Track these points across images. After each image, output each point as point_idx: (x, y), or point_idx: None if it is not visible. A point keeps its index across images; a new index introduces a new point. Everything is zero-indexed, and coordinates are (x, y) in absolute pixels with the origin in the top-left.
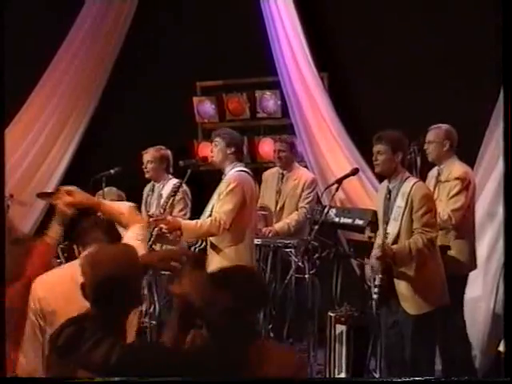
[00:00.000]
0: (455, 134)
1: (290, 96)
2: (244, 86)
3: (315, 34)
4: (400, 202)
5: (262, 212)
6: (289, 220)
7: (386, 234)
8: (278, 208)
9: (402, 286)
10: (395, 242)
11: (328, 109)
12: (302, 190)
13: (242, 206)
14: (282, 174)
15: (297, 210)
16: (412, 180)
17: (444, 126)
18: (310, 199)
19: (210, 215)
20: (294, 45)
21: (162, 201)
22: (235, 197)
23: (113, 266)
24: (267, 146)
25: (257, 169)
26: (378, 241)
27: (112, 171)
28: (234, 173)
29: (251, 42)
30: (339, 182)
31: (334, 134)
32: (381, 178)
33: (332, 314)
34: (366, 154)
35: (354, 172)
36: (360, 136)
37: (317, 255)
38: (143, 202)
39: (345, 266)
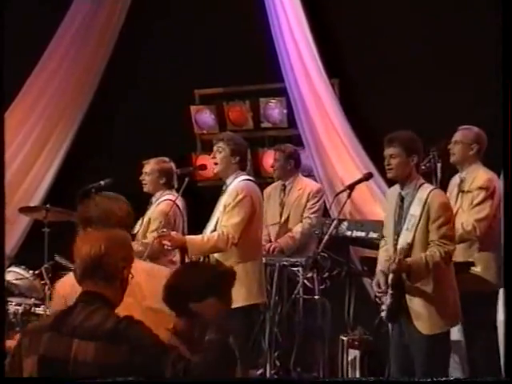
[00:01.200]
0: (485, 139)
1: (298, 104)
2: (246, 94)
3: (325, 36)
4: (415, 211)
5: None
6: (293, 233)
7: (396, 246)
8: (282, 220)
9: (415, 303)
10: (407, 253)
11: (339, 117)
12: (307, 200)
13: (250, 218)
14: (284, 185)
15: (301, 221)
16: (428, 187)
17: (475, 129)
18: (315, 209)
19: (215, 230)
20: (301, 48)
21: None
22: (244, 208)
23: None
24: (272, 159)
25: (260, 184)
26: (384, 253)
27: (102, 182)
28: (239, 183)
29: (254, 45)
30: (351, 187)
31: (345, 143)
32: (390, 184)
33: (344, 338)
34: (379, 164)
35: (367, 177)
36: (373, 146)
37: (327, 274)
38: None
39: (358, 286)
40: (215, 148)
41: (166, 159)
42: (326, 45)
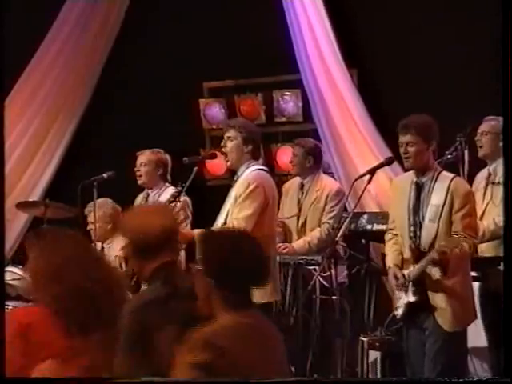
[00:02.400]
0: None
1: (314, 95)
2: (259, 86)
3: (343, 25)
4: (437, 200)
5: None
6: (309, 238)
7: (414, 238)
8: (299, 225)
9: (439, 298)
10: (431, 246)
11: (358, 109)
12: (326, 203)
13: (263, 210)
14: (302, 183)
15: (319, 226)
16: (448, 175)
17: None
18: (334, 213)
19: (225, 223)
20: (319, 37)
21: None
22: (256, 200)
23: None
24: (286, 155)
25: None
26: (395, 246)
27: (105, 175)
28: (251, 172)
29: (266, 35)
30: (372, 172)
31: (365, 137)
32: None
33: (364, 339)
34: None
35: (389, 161)
36: (394, 139)
37: (345, 272)
38: None
39: (378, 285)
40: (225, 136)
41: (161, 150)
42: (344, 33)
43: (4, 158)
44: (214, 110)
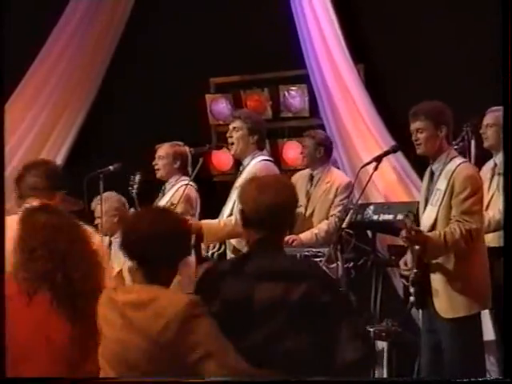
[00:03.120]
0: None
1: (321, 91)
2: (265, 82)
3: (350, 19)
4: (441, 185)
5: None
6: (317, 230)
7: (419, 220)
8: (306, 215)
9: (436, 283)
10: (431, 230)
11: (365, 104)
12: (335, 196)
13: None
14: (312, 174)
15: (327, 218)
16: (458, 159)
17: None
18: (343, 207)
19: (231, 214)
20: (326, 32)
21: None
22: None
23: None
24: (293, 151)
25: None
26: None
27: (111, 167)
28: (257, 163)
29: (273, 29)
30: (378, 159)
31: (372, 132)
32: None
33: (371, 329)
34: (410, 154)
35: (395, 149)
36: (401, 133)
37: (352, 263)
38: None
39: (384, 277)
40: (231, 127)
41: (181, 143)
42: (350, 28)
43: (4, 158)
44: (220, 106)
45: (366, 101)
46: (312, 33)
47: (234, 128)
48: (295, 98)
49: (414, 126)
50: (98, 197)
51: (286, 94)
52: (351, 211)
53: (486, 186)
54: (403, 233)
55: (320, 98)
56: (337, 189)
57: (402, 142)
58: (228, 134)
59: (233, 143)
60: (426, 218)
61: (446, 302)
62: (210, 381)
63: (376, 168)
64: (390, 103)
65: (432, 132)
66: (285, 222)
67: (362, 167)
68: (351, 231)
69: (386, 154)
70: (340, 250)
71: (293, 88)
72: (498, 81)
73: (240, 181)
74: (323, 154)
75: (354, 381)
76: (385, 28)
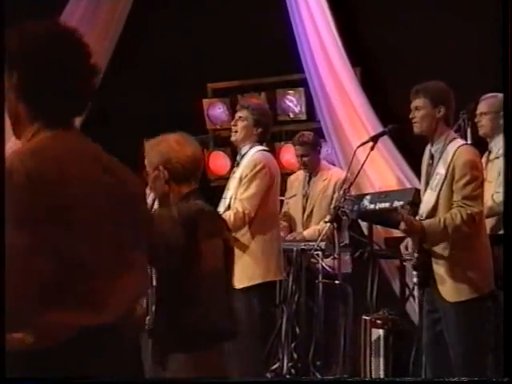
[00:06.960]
0: None
1: (319, 94)
2: (262, 87)
3: (347, 22)
4: (440, 169)
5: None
6: (319, 226)
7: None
8: (305, 216)
9: (439, 267)
10: (431, 215)
11: (364, 107)
12: (334, 191)
13: (267, 191)
14: (309, 176)
15: (328, 214)
16: (458, 142)
17: (499, 95)
18: None
19: (229, 207)
20: (323, 36)
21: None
22: (262, 180)
23: None
24: (290, 154)
25: None
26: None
27: None
28: (256, 153)
29: (270, 33)
30: (375, 139)
31: (370, 134)
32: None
33: (367, 318)
34: (409, 157)
35: (392, 130)
36: (400, 137)
37: (349, 254)
38: None
39: (381, 268)
40: (237, 116)
41: None
42: (348, 32)
43: (4, 158)
44: (217, 111)
45: (363, 104)
46: (310, 37)
47: (240, 117)
48: (292, 101)
49: (413, 104)
50: None
51: (283, 97)
52: (346, 197)
53: None
54: (402, 225)
55: (318, 102)
56: (335, 184)
57: (401, 145)
58: (233, 123)
59: (236, 131)
60: (426, 203)
61: (450, 285)
62: (210, 381)
63: (373, 147)
64: (388, 106)
65: (429, 110)
66: None
67: (359, 146)
68: (347, 211)
69: (383, 134)
70: (337, 228)
71: (290, 92)
72: (496, 80)
73: (240, 170)
74: (318, 152)
75: (354, 381)
76: (382, 31)
